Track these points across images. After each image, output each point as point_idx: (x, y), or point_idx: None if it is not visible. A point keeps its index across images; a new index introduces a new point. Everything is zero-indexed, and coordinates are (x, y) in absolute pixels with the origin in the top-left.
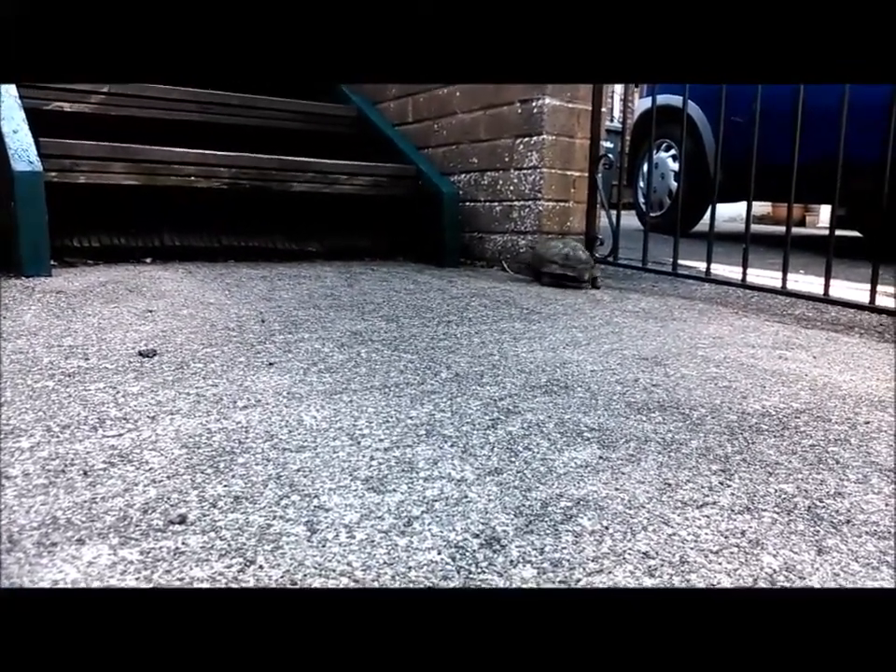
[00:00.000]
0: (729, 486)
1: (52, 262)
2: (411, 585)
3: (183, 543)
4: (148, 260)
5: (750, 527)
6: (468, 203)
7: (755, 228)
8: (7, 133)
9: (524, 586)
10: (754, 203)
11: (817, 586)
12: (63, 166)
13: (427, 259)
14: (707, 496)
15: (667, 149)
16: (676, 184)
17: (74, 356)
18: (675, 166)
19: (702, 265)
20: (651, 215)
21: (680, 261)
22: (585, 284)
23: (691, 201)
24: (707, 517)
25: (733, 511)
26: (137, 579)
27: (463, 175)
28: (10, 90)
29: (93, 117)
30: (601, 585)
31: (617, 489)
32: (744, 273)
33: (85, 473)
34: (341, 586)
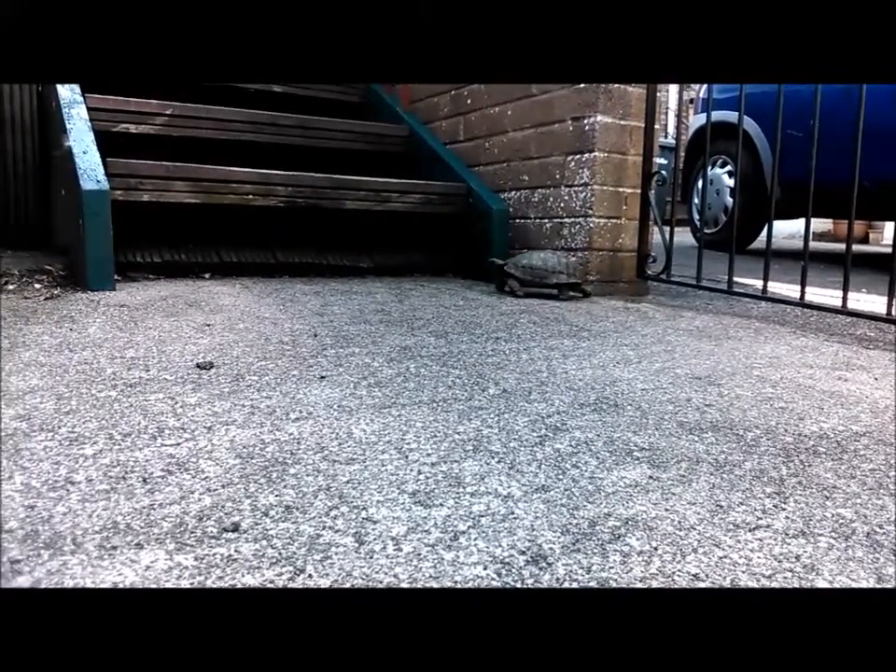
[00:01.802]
0: (784, 509)
1: (116, 277)
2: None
3: (236, 551)
4: (207, 276)
5: (805, 552)
6: (518, 220)
7: (815, 245)
8: (78, 154)
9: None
10: (814, 219)
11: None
12: (128, 185)
13: (477, 275)
14: (761, 518)
15: (723, 165)
16: (731, 200)
17: (135, 367)
18: (731, 182)
19: (758, 283)
20: (706, 231)
21: (736, 279)
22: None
23: (747, 217)
24: (760, 540)
25: (787, 534)
26: (192, 584)
27: (513, 193)
28: (81, 112)
29: (157, 138)
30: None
31: (667, 510)
32: (802, 292)
33: (144, 480)
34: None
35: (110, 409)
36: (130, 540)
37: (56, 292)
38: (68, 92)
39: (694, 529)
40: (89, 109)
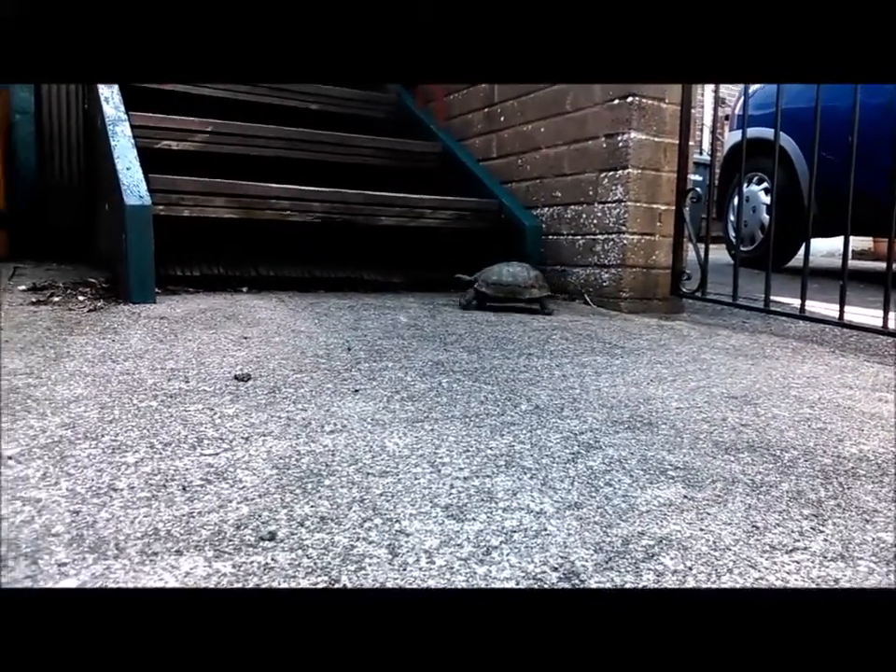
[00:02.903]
0: (822, 532)
1: (157, 290)
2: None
3: (272, 559)
4: (245, 290)
5: (844, 576)
6: (550, 237)
7: (854, 264)
8: (121, 171)
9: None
10: (854, 237)
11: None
12: (169, 200)
13: None
14: (798, 541)
15: (759, 182)
16: (768, 217)
17: (175, 378)
18: (767, 199)
19: (796, 302)
20: (743, 249)
21: (773, 297)
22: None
23: (784, 235)
24: (797, 563)
25: (825, 557)
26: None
27: (546, 209)
28: (125, 130)
29: (197, 154)
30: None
31: (702, 529)
32: (841, 311)
33: (184, 489)
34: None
35: (151, 419)
36: (170, 547)
37: (99, 304)
38: (113, 110)
39: (730, 550)
40: (132, 127)
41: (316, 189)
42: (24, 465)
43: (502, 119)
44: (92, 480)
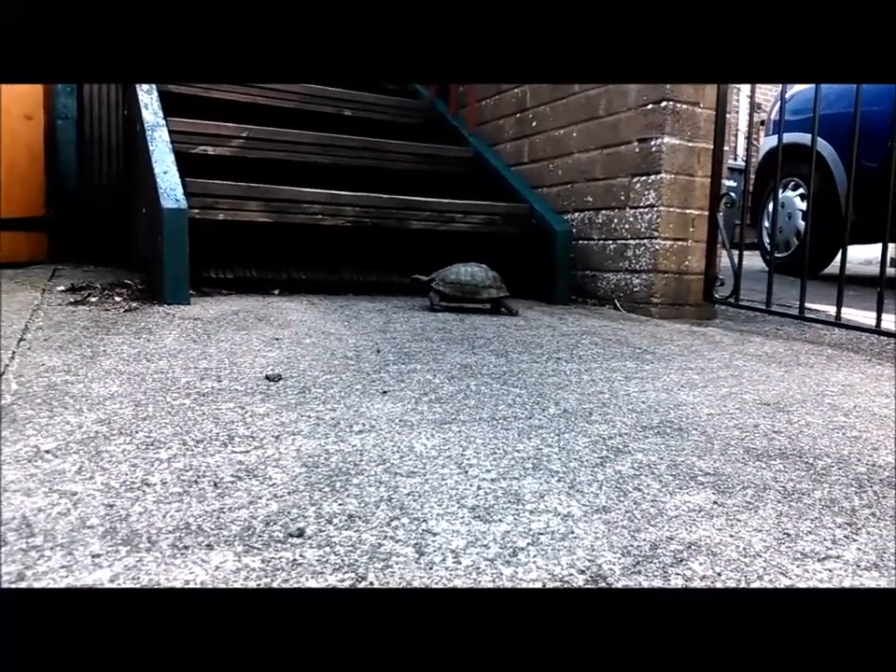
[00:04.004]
0: (855, 541)
1: (191, 292)
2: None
3: (300, 556)
4: (276, 292)
5: (878, 586)
6: (581, 242)
7: (892, 271)
8: (159, 174)
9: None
10: (893, 244)
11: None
12: (204, 204)
13: (539, 295)
14: (830, 549)
15: (795, 188)
16: (803, 223)
17: (208, 377)
18: (803, 206)
19: (831, 309)
20: (777, 255)
21: (808, 304)
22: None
23: (820, 241)
24: (830, 571)
25: (858, 566)
26: (258, 585)
27: (577, 214)
28: (163, 135)
29: (233, 159)
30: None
31: (732, 536)
32: (878, 318)
33: (215, 485)
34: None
35: (184, 416)
36: (201, 541)
37: (135, 305)
38: (152, 116)
39: (760, 557)
40: (170, 132)
41: (348, 193)
42: (61, 459)
43: (534, 123)
44: (126, 475)
